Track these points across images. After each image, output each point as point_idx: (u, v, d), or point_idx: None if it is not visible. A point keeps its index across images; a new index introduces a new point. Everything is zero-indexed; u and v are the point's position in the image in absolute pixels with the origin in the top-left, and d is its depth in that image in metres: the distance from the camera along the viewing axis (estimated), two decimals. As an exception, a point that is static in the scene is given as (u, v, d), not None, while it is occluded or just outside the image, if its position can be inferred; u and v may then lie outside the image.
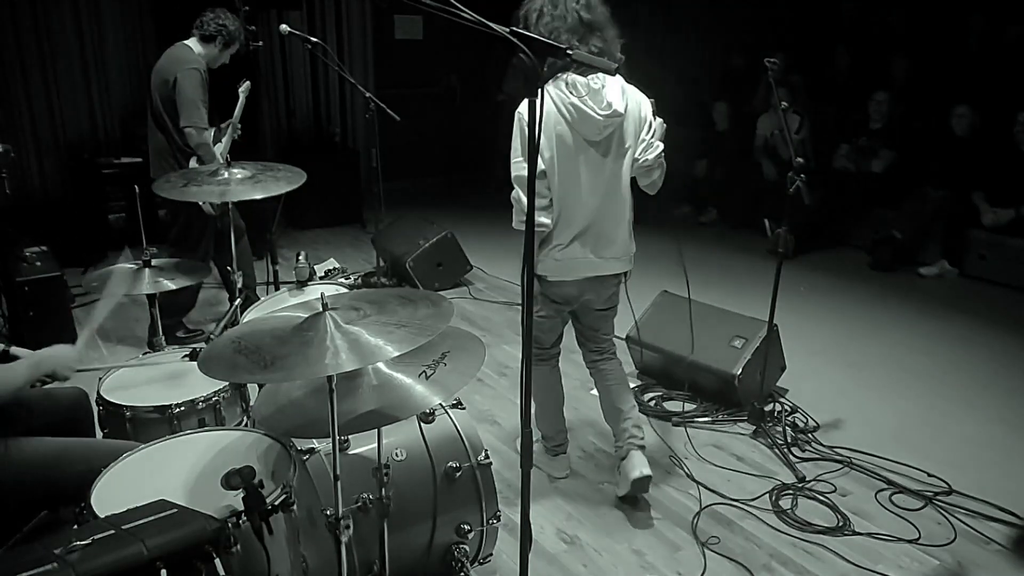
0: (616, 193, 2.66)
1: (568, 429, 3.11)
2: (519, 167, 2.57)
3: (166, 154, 4.05)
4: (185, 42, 4.06)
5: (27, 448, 1.96)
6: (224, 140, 4.19)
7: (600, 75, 2.54)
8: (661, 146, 2.64)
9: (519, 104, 2.43)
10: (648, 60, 3.17)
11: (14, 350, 2.11)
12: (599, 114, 2.52)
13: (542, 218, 2.59)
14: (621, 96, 2.56)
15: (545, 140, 2.55)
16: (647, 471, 2.80)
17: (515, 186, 2.60)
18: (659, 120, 2.68)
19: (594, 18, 2.55)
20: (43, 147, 6.03)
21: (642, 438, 2.88)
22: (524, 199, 2.42)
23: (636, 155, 2.64)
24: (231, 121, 4.19)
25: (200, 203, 3.84)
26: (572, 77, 2.53)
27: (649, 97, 2.69)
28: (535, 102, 1.49)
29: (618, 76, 2.57)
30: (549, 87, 2.54)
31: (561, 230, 2.64)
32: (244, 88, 4.13)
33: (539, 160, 2.55)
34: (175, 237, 4.21)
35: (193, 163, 3.97)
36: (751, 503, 2.91)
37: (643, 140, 2.63)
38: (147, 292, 2.63)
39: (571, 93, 2.53)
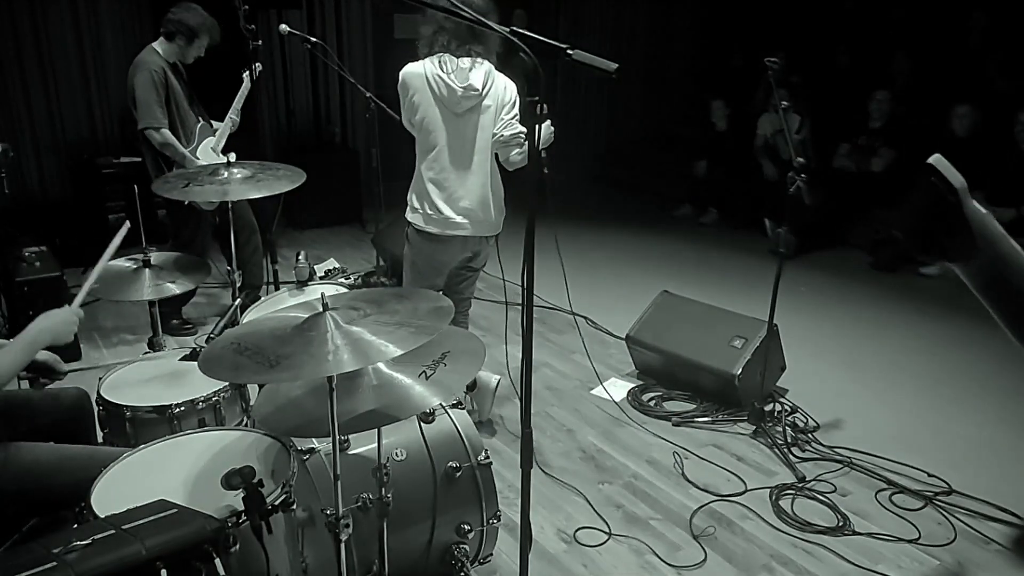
0: (471, 161, 2.93)
1: (567, 428, 3.09)
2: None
3: (148, 155, 4.08)
4: (153, 44, 4.04)
5: (28, 454, 1.95)
6: (218, 135, 4.17)
7: (469, 59, 2.83)
8: (520, 128, 2.92)
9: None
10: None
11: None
12: (458, 88, 2.82)
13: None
14: (484, 78, 2.86)
15: (419, 103, 2.89)
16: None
17: None
18: (546, 123, 2.79)
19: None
20: (42, 147, 6.01)
21: None
22: None
23: (494, 130, 2.93)
24: (229, 114, 4.17)
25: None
26: (446, 56, 2.84)
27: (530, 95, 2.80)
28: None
29: (488, 63, 2.88)
30: (426, 61, 2.87)
31: (428, 187, 2.95)
32: (247, 75, 4.06)
33: (413, 118, 2.94)
34: (170, 234, 4.27)
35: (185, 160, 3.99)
36: (751, 503, 2.91)
37: (502, 119, 2.93)
38: (149, 299, 2.65)
39: (441, 68, 2.83)
